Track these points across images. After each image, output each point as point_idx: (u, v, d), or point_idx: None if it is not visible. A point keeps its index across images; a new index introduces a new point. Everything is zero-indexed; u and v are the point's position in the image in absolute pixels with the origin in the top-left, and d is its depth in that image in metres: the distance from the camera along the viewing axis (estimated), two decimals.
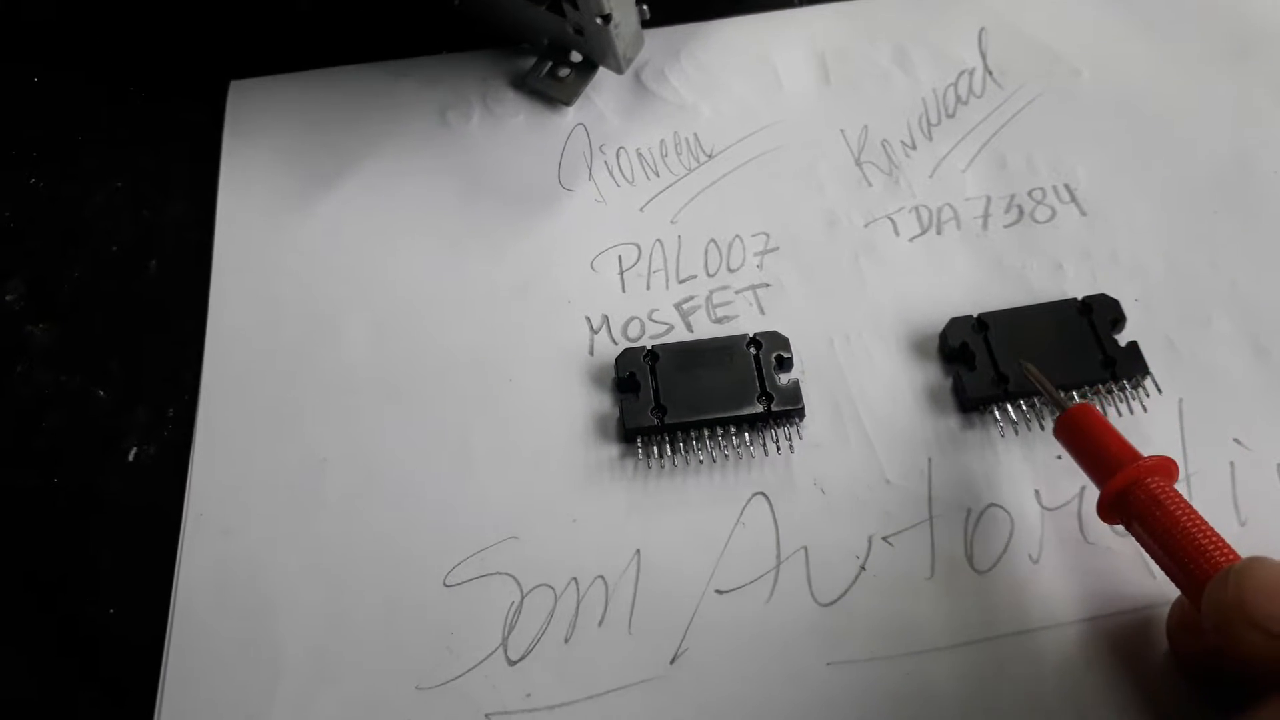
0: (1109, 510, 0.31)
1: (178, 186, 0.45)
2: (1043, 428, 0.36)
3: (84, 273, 0.43)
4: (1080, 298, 0.37)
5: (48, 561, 0.37)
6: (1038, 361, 0.35)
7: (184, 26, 0.50)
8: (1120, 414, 0.36)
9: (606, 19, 0.39)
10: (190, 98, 0.47)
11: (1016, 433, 0.36)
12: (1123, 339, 0.36)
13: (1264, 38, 0.45)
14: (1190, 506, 0.29)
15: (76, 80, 0.49)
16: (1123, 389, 0.35)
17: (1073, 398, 0.35)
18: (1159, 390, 0.36)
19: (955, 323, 0.37)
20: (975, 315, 0.37)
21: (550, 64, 0.45)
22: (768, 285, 0.40)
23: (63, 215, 0.45)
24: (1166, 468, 0.31)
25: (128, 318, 0.42)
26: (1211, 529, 0.29)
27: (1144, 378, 0.36)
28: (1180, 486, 0.35)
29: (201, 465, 0.38)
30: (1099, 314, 0.37)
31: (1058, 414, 0.33)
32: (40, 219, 0.45)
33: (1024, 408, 0.36)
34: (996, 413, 0.36)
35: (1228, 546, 0.28)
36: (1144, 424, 0.36)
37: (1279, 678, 0.26)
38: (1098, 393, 0.36)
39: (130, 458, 0.38)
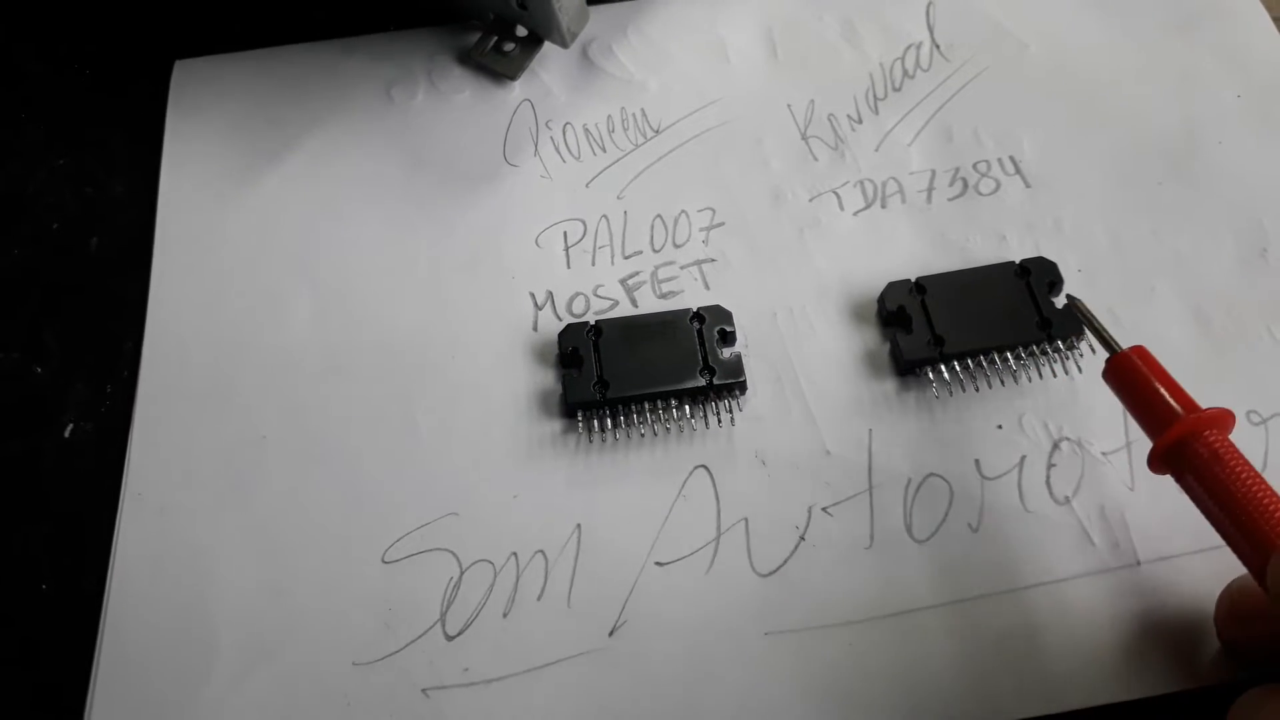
0: (1161, 462, 0.29)
1: (121, 164, 0.44)
2: (978, 390, 0.36)
3: (24, 249, 0.42)
4: (1018, 261, 0.37)
5: None
6: (975, 325, 0.35)
7: (130, 4, 0.49)
8: (1056, 375, 0.36)
9: None
10: (135, 76, 0.46)
11: (951, 394, 0.36)
12: (1060, 302, 0.36)
13: (1209, 9, 0.45)
14: (1251, 466, 0.27)
15: (20, 56, 0.48)
16: (1058, 350, 0.35)
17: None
18: (1093, 350, 0.35)
19: (893, 286, 0.37)
20: (913, 279, 0.37)
21: (495, 39, 0.45)
22: (713, 260, 0.40)
23: (3, 192, 0.44)
24: (1224, 420, 0.28)
25: (68, 295, 0.41)
26: (1276, 493, 0.26)
27: (1080, 339, 0.36)
28: (1120, 455, 0.35)
29: (140, 442, 0.37)
30: (1037, 277, 0.37)
31: (1109, 356, 0.31)
32: None
33: (958, 370, 0.36)
34: (931, 374, 0.36)
35: None
36: (1086, 392, 0.36)
37: None
38: (1033, 355, 0.35)
39: (67, 434, 0.38)
